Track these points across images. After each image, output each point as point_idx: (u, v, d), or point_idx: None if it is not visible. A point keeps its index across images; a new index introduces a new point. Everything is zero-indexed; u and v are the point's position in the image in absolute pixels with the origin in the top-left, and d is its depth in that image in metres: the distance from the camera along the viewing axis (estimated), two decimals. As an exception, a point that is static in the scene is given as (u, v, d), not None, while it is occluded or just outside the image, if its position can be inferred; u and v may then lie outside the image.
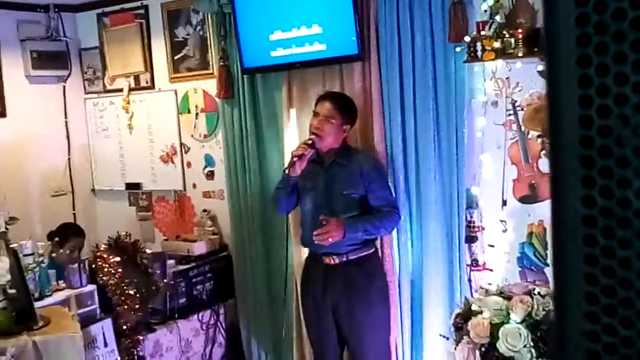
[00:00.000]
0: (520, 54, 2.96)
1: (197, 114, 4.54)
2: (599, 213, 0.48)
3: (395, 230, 3.49)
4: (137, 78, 4.84)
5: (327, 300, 3.34)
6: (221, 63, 4.14)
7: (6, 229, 3.16)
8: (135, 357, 3.67)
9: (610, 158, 0.47)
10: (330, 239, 3.15)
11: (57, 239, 3.89)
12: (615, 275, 0.48)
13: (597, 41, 0.46)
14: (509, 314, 2.64)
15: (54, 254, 3.91)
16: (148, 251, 3.90)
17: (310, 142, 3.28)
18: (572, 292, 0.49)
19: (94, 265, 3.66)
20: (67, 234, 4.14)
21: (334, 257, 3.29)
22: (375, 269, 3.38)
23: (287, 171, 3.32)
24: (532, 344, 2.54)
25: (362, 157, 3.40)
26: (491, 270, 3.39)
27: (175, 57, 4.58)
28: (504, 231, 3.35)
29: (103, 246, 3.74)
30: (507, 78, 3.25)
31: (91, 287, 3.54)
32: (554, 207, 0.51)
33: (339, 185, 3.30)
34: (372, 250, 3.36)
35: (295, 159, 3.25)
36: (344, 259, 3.28)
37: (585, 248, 0.49)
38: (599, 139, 0.47)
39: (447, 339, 3.02)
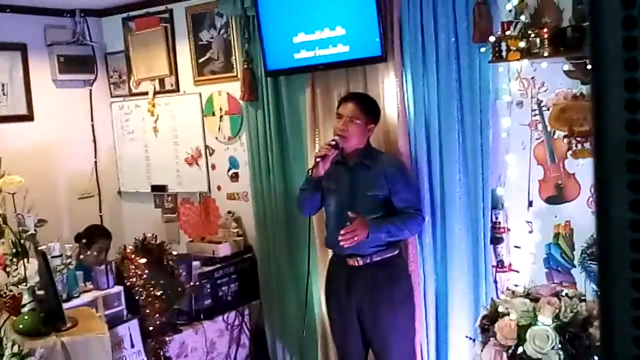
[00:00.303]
0: (545, 54, 2.94)
1: (221, 116, 4.57)
2: (646, 218, 0.48)
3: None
4: (162, 81, 4.88)
5: (351, 302, 3.33)
6: (245, 66, 4.16)
7: (35, 231, 3.20)
8: (162, 357, 3.70)
9: (657, 163, 0.46)
10: (355, 238, 3.14)
11: (84, 240, 3.93)
12: (663, 281, 0.47)
13: (644, 45, 0.45)
14: (536, 315, 2.61)
15: (81, 256, 3.96)
16: (174, 253, 3.93)
17: (333, 142, 3.28)
18: (618, 298, 0.49)
19: (120, 267, 3.69)
20: (94, 236, 4.18)
21: (358, 258, 3.28)
22: (399, 271, 3.36)
23: (310, 172, 3.32)
24: (560, 346, 2.51)
25: (386, 158, 3.39)
26: (517, 271, 3.36)
27: (200, 60, 4.61)
28: (530, 232, 3.32)
29: (129, 248, 3.78)
30: (533, 78, 3.22)
31: (118, 289, 3.56)
32: (599, 213, 0.50)
33: (363, 186, 3.29)
34: (397, 252, 3.35)
35: (318, 159, 3.25)
36: (368, 260, 3.27)
37: (632, 254, 0.48)
38: (645, 143, 0.47)
39: (474, 340, 3.00)
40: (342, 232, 3.15)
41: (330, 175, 3.35)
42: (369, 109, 3.35)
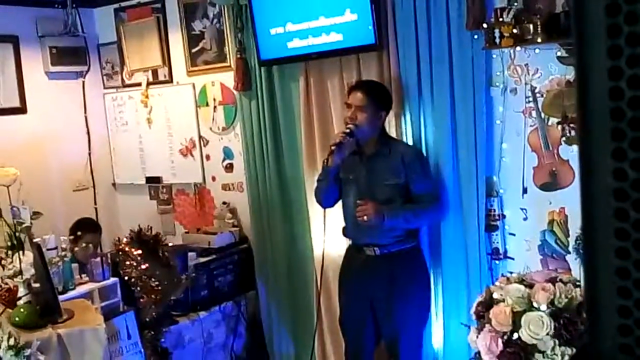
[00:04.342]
0: (539, 40, 2.94)
1: (215, 106, 4.55)
2: (630, 186, 0.47)
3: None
4: (155, 72, 4.86)
5: (366, 292, 3.30)
6: (238, 55, 4.15)
7: (30, 223, 3.19)
8: (159, 348, 3.70)
9: (641, 129, 0.46)
10: (365, 218, 3.12)
11: (71, 237, 3.89)
12: (647, 248, 0.47)
13: (627, 10, 0.45)
14: (531, 301, 2.62)
15: (76, 248, 3.94)
16: (169, 244, 3.92)
17: (348, 130, 3.21)
18: (602, 267, 0.48)
19: (116, 259, 3.68)
20: (81, 231, 4.12)
21: (376, 248, 3.26)
22: (416, 263, 3.34)
23: (325, 162, 3.27)
24: (554, 331, 2.51)
25: (403, 146, 3.36)
26: (512, 258, 3.37)
27: (193, 51, 4.59)
28: (525, 219, 3.32)
29: (125, 240, 3.77)
30: (526, 64, 3.22)
31: (114, 280, 3.56)
32: (584, 181, 0.50)
33: (382, 175, 3.25)
34: (414, 243, 3.33)
35: (333, 147, 3.20)
36: (386, 251, 3.24)
37: (616, 222, 0.48)
38: (629, 110, 0.46)
39: (469, 327, 3.00)
40: (357, 209, 3.16)
41: (347, 166, 3.32)
42: (378, 96, 3.29)
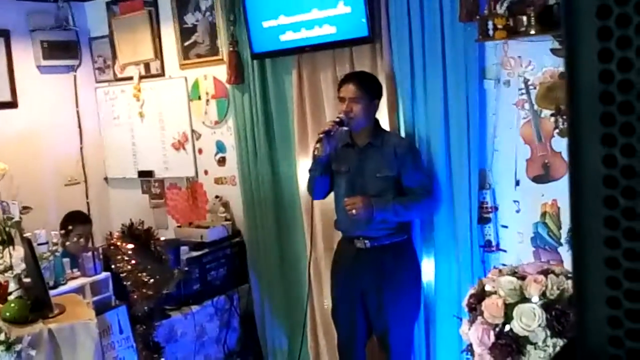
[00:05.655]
0: (532, 32, 2.92)
1: (207, 100, 4.53)
2: (620, 173, 0.46)
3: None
4: (147, 66, 4.83)
5: (357, 285, 3.30)
6: (231, 49, 4.13)
7: (20, 218, 3.17)
8: (151, 343, 3.68)
9: (632, 114, 0.45)
10: (354, 212, 3.13)
11: (62, 231, 3.87)
12: (637, 237, 0.46)
13: (617, -9, 0.43)
14: (523, 293, 2.62)
15: (67, 243, 3.93)
16: (162, 238, 3.90)
17: (337, 119, 3.23)
18: (591, 256, 0.47)
19: (108, 253, 3.66)
20: (72, 223, 4.11)
21: (366, 241, 3.25)
22: (407, 256, 3.33)
23: (315, 151, 3.27)
24: (546, 323, 2.51)
25: (396, 138, 3.36)
26: (505, 250, 3.37)
27: (185, 44, 4.57)
28: (518, 211, 3.32)
29: (117, 234, 3.75)
30: (520, 57, 3.21)
31: (105, 275, 3.55)
32: (572, 169, 0.48)
33: (374, 167, 3.25)
34: (406, 236, 3.33)
35: (321, 135, 3.20)
36: (376, 243, 3.24)
37: (605, 210, 0.47)
38: (619, 94, 0.45)
39: (461, 319, 3.00)
40: (345, 201, 3.17)
41: (339, 157, 3.32)
42: (370, 86, 3.29)
